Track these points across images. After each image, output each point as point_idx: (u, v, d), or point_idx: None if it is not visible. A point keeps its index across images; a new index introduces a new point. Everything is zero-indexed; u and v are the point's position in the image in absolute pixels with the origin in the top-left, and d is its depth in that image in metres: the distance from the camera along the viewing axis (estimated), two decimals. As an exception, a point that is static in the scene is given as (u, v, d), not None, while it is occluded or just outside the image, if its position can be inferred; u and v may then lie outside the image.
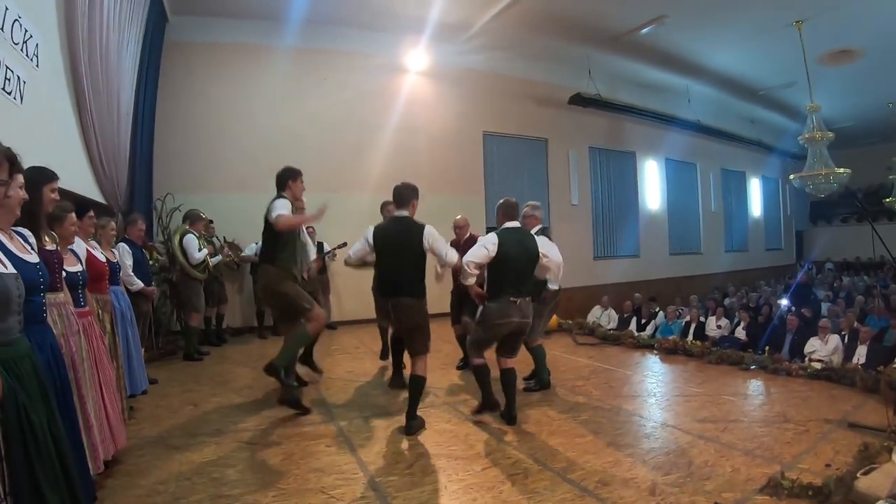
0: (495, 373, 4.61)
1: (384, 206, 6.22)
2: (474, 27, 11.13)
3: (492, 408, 4.59)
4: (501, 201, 4.87)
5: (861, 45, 12.17)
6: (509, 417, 4.48)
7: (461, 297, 6.67)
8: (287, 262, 4.84)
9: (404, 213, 4.48)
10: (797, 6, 10.47)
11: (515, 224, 4.76)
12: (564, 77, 13.61)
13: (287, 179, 4.94)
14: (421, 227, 4.36)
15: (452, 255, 4.48)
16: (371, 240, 4.54)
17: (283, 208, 4.64)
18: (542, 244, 4.74)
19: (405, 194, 4.51)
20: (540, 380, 5.67)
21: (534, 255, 4.63)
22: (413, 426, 4.30)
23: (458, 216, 6.78)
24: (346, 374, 6.39)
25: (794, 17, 10.81)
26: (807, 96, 11.95)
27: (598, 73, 13.52)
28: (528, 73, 13.32)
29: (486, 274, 4.70)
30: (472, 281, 4.54)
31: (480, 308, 4.69)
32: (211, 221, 8.41)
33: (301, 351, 5.38)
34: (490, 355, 4.63)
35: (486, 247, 4.45)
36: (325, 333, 9.32)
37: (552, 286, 5.36)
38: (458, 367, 6.68)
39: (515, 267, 4.50)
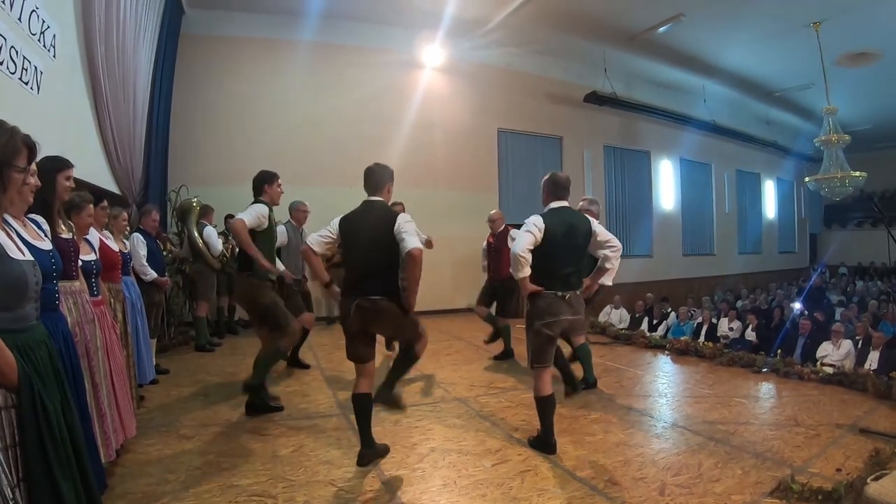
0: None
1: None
2: (491, 23, 11.14)
3: (548, 449, 3.76)
4: (548, 176, 4.11)
5: (880, 47, 12.06)
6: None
7: (496, 289, 6.69)
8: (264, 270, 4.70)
9: (377, 197, 3.72)
10: (815, 7, 10.41)
11: (564, 204, 4.01)
12: (580, 75, 13.63)
13: (263, 183, 4.78)
14: (395, 214, 3.59)
15: (415, 242, 3.44)
16: (336, 230, 3.70)
17: (253, 214, 4.56)
18: (603, 234, 4.12)
19: (380, 176, 3.74)
20: (586, 381, 5.40)
21: (584, 240, 3.98)
22: (380, 395, 3.69)
23: (493, 210, 6.94)
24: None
25: (812, 17, 10.76)
26: (823, 98, 11.91)
27: (613, 72, 13.51)
28: (543, 70, 13.33)
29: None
30: (527, 272, 3.74)
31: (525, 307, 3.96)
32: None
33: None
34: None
35: (532, 231, 3.73)
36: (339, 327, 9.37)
37: (607, 282, 4.36)
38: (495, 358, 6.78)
39: (563, 256, 3.83)
